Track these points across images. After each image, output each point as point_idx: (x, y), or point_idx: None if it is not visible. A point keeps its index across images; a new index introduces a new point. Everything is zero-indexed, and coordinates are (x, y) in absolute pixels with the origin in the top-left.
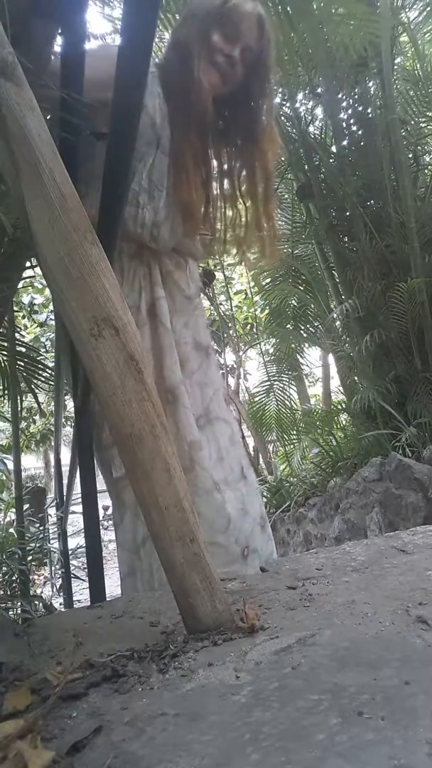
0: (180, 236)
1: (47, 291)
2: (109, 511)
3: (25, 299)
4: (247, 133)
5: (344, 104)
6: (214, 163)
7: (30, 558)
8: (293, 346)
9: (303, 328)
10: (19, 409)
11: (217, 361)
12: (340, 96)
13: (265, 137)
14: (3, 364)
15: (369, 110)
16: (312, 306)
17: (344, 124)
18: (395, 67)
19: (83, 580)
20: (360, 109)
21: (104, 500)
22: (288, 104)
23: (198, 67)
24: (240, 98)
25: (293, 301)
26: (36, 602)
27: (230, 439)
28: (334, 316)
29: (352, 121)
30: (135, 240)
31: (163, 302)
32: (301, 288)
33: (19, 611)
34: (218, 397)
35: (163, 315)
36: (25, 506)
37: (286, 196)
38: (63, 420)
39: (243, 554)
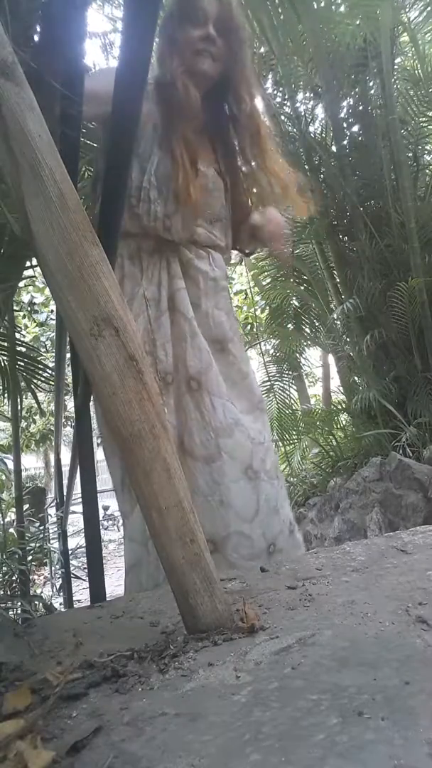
0: (194, 227)
1: (47, 290)
2: (109, 511)
3: (25, 298)
4: (235, 107)
5: (344, 104)
6: (214, 152)
7: (30, 558)
8: (294, 345)
9: (304, 327)
10: (19, 408)
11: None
12: (340, 96)
13: (250, 105)
14: (3, 364)
15: (369, 110)
16: (313, 305)
17: (344, 124)
18: (395, 67)
19: (83, 580)
20: (360, 108)
21: (104, 500)
22: (288, 104)
23: (180, 76)
24: (220, 77)
25: (294, 301)
26: (36, 602)
27: (266, 429)
28: (335, 316)
29: (351, 120)
30: (152, 236)
31: (184, 293)
32: (303, 287)
33: (19, 611)
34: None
35: (184, 306)
36: (25, 506)
37: None
38: (63, 420)
39: (269, 550)
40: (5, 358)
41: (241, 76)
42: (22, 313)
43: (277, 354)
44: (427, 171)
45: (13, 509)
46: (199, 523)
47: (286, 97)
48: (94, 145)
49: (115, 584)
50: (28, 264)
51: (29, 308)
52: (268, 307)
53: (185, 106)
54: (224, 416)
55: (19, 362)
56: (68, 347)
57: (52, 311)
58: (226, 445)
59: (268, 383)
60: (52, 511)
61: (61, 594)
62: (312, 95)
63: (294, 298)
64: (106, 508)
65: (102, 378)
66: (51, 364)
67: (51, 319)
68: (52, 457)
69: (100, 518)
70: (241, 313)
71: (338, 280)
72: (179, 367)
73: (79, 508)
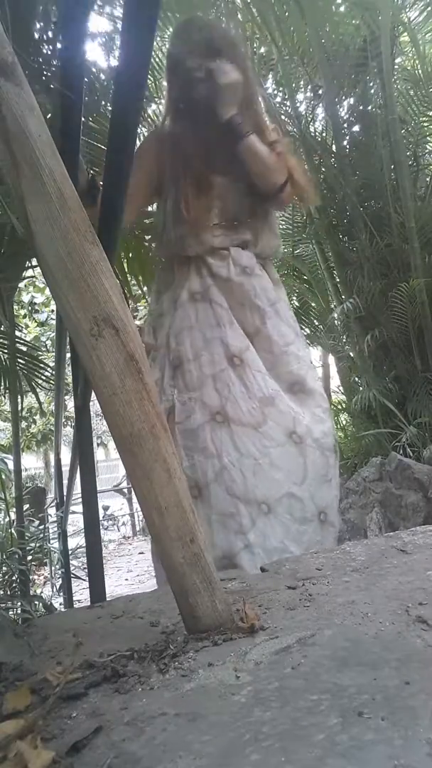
0: (211, 238)
1: (47, 290)
2: (109, 511)
3: (26, 298)
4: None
5: (345, 104)
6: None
7: (30, 558)
8: None
9: (304, 327)
10: (19, 408)
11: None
12: (340, 95)
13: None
14: (4, 363)
15: (369, 110)
16: (313, 305)
17: (344, 124)
18: (395, 67)
19: (83, 580)
20: (360, 108)
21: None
22: (288, 103)
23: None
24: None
25: (295, 301)
26: (36, 602)
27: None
28: (335, 315)
29: (352, 117)
30: (178, 252)
31: (214, 288)
32: (304, 287)
33: (19, 611)
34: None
35: (217, 297)
36: (25, 506)
37: None
38: (63, 420)
39: (320, 518)
40: (5, 356)
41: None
42: (23, 312)
43: None
44: (427, 171)
45: (13, 509)
46: (254, 486)
47: (286, 97)
48: (95, 144)
49: (115, 584)
50: (28, 264)
51: (30, 308)
52: None
53: (188, 151)
54: (266, 387)
55: (19, 361)
56: (68, 347)
57: (52, 311)
58: (271, 412)
59: None
60: (52, 511)
61: (61, 594)
62: (312, 95)
63: (294, 297)
64: (106, 508)
65: (102, 378)
66: (51, 364)
67: (51, 318)
68: (52, 457)
69: (100, 518)
70: None
71: (338, 280)
72: (222, 349)
73: (79, 508)
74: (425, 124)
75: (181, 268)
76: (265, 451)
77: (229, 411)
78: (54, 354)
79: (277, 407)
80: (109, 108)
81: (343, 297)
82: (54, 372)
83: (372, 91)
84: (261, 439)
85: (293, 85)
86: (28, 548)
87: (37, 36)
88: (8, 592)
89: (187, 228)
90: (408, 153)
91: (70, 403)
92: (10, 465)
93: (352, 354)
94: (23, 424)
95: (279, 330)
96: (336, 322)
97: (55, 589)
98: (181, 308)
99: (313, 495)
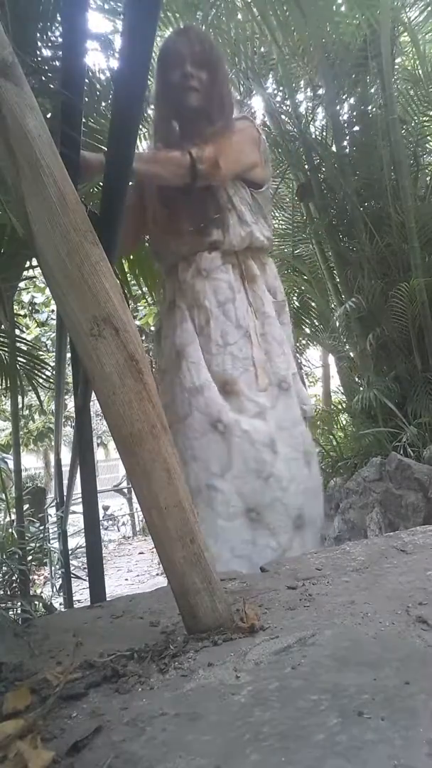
0: (179, 248)
1: (48, 290)
2: (109, 511)
3: (26, 298)
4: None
5: (345, 104)
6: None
7: (30, 558)
8: (295, 345)
9: (304, 327)
10: (19, 407)
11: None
12: (340, 95)
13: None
14: (4, 362)
15: (369, 110)
16: (313, 305)
17: (345, 124)
18: (395, 67)
19: (83, 580)
20: (360, 108)
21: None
22: (288, 103)
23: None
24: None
25: (295, 301)
26: (36, 602)
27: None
28: (336, 315)
29: (352, 117)
30: (161, 266)
31: (179, 292)
32: (303, 288)
33: (19, 611)
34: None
35: (179, 300)
36: (25, 506)
37: (287, 198)
38: (63, 420)
39: (250, 516)
40: (6, 354)
41: (218, 103)
42: (23, 312)
43: None
44: (427, 171)
45: (13, 509)
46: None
47: (286, 97)
48: (95, 145)
49: (115, 584)
50: (28, 264)
51: (30, 308)
52: None
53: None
54: (197, 377)
55: (20, 360)
56: (68, 347)
57: (52, 311)
58: (197, 402)
59: None
60: (52, 511)
61: (61, 594)
62: (312, 95)
63: (294, 297)
64: (106, 508)
65: (102, 378)
66: (52, 364)
67: (51, 318)
68: (52, 457)
69: (100, 518)
70: None
71: (338, 280)
72: (169, 346)
73: (79, 508)
74: (425, 124)
75: (168, 276)
76: (188, 443)
77: (169, 406)
78: (54, 354)
79: (204, 396)
80: (109, 108)
81: (343, 297)
82: (54, 372)
83: (372, 90)
84: (185, 431)
85: (293, 85)
86: (28, 548)
87: (37, 36)
88: (8, 592)
89: (159, 241)
90: (408, 153)
91: (70, 403)
92: (11, 465)
93: (352, 354)
94: (21, 422)
95: (222, 330)
96: (337, 324)
97: (55, 589)
98: (164, 318)
99: (240, 490)
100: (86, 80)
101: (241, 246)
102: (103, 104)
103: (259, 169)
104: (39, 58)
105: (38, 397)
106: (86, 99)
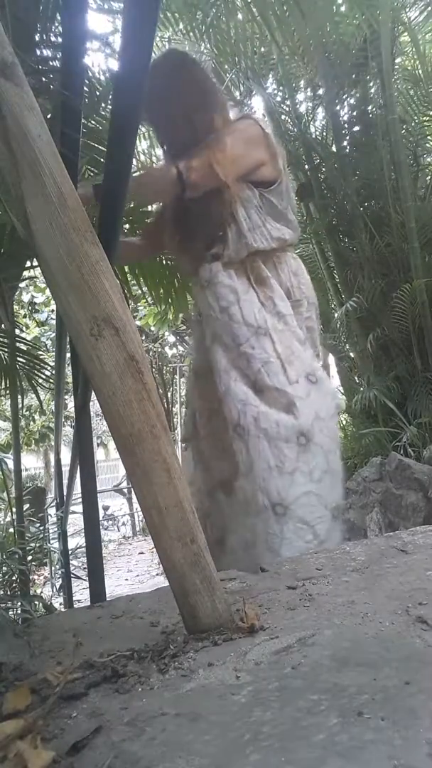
0: (194, 261)
1: (48, 290)
2: (109, 511)
3: (25, 298)
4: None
5: (345, 104)
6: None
7: (30, 558)
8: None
9: None
10: (19, 407)
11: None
12: (340, 95)
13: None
14: (4, 362)
15: (370, 109)
16: None
17: (344, 124)
18: (395, 67)
19: (83, 580)
20: (361, 108)
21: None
22: (288, 103)
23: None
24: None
25: None
26: (36, 602)
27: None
28: (336, 315)
29: (352, 117)
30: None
31: (195, 307)
32: None
33: (19, 611)
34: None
35: (195, 313)
36: (25, 506)
37: None
38: (63, 420)
39: (275, 510)
40: (6, 354)
41: (198, 124)
42: (23, 312)
43: None
44: (427, 171)
45: (13, 509)
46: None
47: (287, 97)
48: (95, 145)
49: (115, 584)
50: (28, 264)
51: (30, 308)
52: None
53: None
54: (220, 384)
55: (20, 360)
56: (68, 347)
57: (52, 311)
58: (221, 409)
59: None
60: (52, 511)
61: (61, 594)
62: (312, 95)
63: None
64: (106, 508)
65: (102, 378)
66: (52, 364)
67: (51, 318)
68: (52, 456)
69: (100, 518)
70: None
71: (338, 280)
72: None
73: (79, 508)
74: (425, 124)
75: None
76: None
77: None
78: (54, 354)
79: (227, 404)
80: (109, 108)
81: (343, 297)
82: (54, 372)
83: (372, 90)
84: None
85: (293, 85)
86: (28, 548)
87: (37, 36)
88: (8, 592)
89: (177, 260)
90: (408, 153)
91: (70, 403)
92: (11, 465)
93: (352, 354)
94: (22, 422)
95: (231, 332)
96: (337, 324)
97: (55, 589)
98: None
99: (263, 486)
100: (86, 81)
101: (241, 257)
102: (103, 105)
103: (266, 167)
104: (39, 58)
105: (38, 397)
106: (86, 99)
